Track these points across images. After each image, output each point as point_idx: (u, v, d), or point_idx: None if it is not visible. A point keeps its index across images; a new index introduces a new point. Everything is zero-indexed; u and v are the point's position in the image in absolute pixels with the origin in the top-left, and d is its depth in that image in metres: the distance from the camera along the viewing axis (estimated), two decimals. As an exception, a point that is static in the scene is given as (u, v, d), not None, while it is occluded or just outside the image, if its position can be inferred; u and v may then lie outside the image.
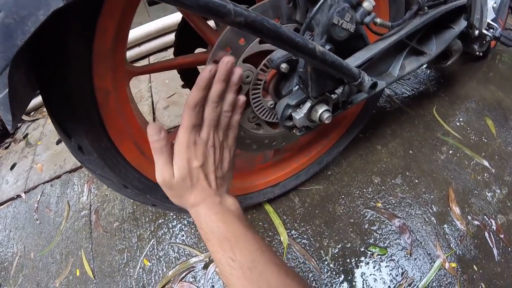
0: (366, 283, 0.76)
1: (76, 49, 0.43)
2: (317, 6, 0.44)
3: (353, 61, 0.54)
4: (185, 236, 0.90)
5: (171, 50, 0.88)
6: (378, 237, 0.83)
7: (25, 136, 1.42)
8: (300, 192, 0.95)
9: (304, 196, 0.94)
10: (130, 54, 1.56)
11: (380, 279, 0.76)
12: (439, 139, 1.04)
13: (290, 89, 0.56)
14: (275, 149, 0.81)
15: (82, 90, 0.47)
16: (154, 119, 1.28)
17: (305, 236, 0.85)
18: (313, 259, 0.81)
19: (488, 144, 1.01)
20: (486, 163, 0.96)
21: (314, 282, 0.77)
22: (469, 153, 0.99)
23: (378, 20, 0.52)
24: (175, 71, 0.80)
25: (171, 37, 1.56)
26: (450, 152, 1.00)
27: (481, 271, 0.75)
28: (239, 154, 0.63)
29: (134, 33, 1.50)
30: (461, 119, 1.09)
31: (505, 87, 1.19)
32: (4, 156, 1.36)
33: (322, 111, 0.54)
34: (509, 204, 0.86)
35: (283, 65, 0.50)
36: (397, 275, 0.76)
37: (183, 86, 0.84)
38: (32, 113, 1.54)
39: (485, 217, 0.84)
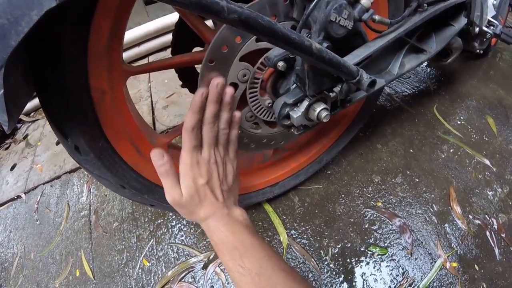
0: (366, 283, 0.75)
1: (71, 49, 0.43)
2: (313, 3, 0.43)
3: (352, 59, 0.54)
4: (184, 236, 0.90)
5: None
6: (378, 237, 0.82)
7: (25, 137, 1.43)
8: (300, 191, 0.95)
9: (304, 196, 0.94)
10: (129, 54, 1.56)
11: (381, 279, 0.75)
12: (439, 137, 1.03)
13: (288, 87, 0.55)
14: (274, 148, 0.80)
15: (78, 90, 0.47)
16: (153, 119, 1.27)
17: (304, 236, 0.85)
18: (313, 259, 0.80)
19: (489, 142, 1.00)
20: (487, 162, 0.95)
21: (314, 282, 0.77)
22: (470, 151, 0.98)
23: (376, 17, 0.51)
24: (174, 71, 0.80)
25: (170, 37, 1.54)
26: (451, 150, 0.99)
27: (482, 271, 0.74)
28: (238, 154, 0.63)
29: (133, 33, 1.50)
30: (461, 118, 1.08)
31: (506, 85, 1.18)
32: (4, 156, 1.37)
33: (320, 110, 0.53)
34: (510, 203, 0.85)
35: (280, 63, 0.50)
36: (397, 275, 0.75)
37: (182, 86, 0.84)
38: (32, 113, 1.54)
39: (487, 216, 0.83)
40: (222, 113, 0.48)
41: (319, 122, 0.56)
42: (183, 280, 0.81)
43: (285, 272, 0.43)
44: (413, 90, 1.21)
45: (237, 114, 0.51)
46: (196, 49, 0.74)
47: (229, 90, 0.47)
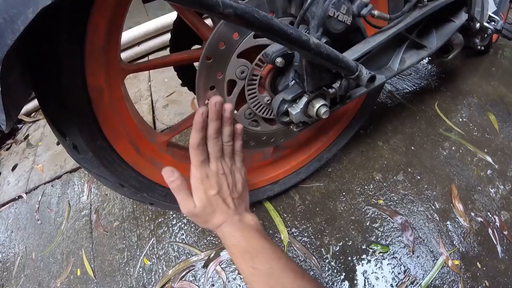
0: (367, 281, 0.75)
1: (68, 47, 0.43)
2: (311, -2, 0.43)
3: (351, 54, 0.53)
4: (184, 235, 0.89)
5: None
6: (379, 235, 0.82)
7: (26, 137, 1.43)
8: (301, 189, 0.94)
9: (305, 194, 0.93)
10: (129, 53, 1.56)
11: (382, 277, 0.75)
12: (441, 134, 1.02)
13: (287, 84, 0.55)
14: (274, 146, 0.80)
15: (75, 88, 0.47)
16: (153, 118, 1.27)
17: (305, 234, 0.85)
18: (314, 257, 0.80)
19: (491, 139, 0.99)
20: (489, 159, 0.94)
21: (314, 281, 0.76)
22: (472, 148, 0.97)
23: (375, 12, 0.50)
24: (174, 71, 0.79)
25: (169, 35, 1.55)
26: (453, 148, 0.98)
27: (484, 269, 0.74)
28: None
29: (133, 33, 1.50)
30: (463, 115, 1.08)
31: (507, 82, 1.17)
32: (6, 157, 1.37)
33: (319, 106, 0.53)
34: (513, 200, 0.84)
35: (279, 60, 0.49)
36: (399, 273, 0.75)
37: (182, 85, 0.84)
38: (33, 114, 1.55)
39: (489, 213, 0.82)
40: (224, 128, 0.51)
41: (319, 119, 0.56)
42: (184, 278, 0.81)
43: (293, 272, 0.46)
44: (414, 87, 1.21)
45: (239, 126, 0.53)
46: (195, 47, 0.74)
47: (228, 107, 0.49)
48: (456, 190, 0.88)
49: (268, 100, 0.59)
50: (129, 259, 0.88)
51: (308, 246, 0.82)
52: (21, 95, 0.42)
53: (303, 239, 0.84)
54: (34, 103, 1.50)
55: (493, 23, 0.84)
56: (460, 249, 0.77)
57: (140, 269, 0.85)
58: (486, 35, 0.89)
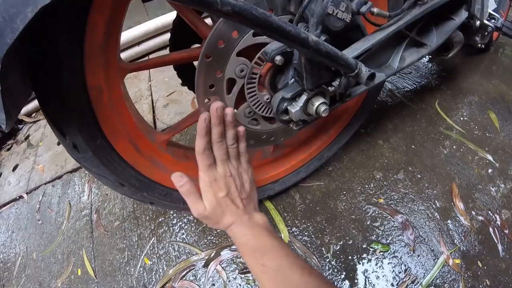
0: (368, 280, 0.75)
1: (67, 46, 0.43)
2: (310, -4, 0.43)
3: (350, 52, 0.53)
4: (185, 234, 0.89)
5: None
6: (380, 234, 0.81)
7: (27, 138, 1.43)
8: (301, 188, 0.94)
9: (305, 193, 0.93)
10: (129, 53, 1.56)
11: (383, 276, 0.75)
12: (442, 133, 1.02)
13: (286, 82, 0.55)
14: (274, 144, 0.80)
15: (75, 88, 0.47)
16: (154, 117, 1.27)
17: (306, 233, 0.84)
18: (314, 256, 0.80)
19: (492, 138, 0.99)
20: (490, 158, 0.94)
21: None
22: (473, 147, 0.97)
23: (375, 10, 0.50)
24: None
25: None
26: (454, 146, 0.98)
27: (485, 267, 0.73)
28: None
29: (133, 32, 1.50)
30: (464, 113, 1.07)
31: (508, 80, 1.16)
32: (6, 157, 1.37)
33: (319, 104, 0.53)
34: (514, 199, 0.84)
35: (278, 58, 0.49)
36: (400, 272, 0.75)
37: (182, 84, 0.84)
38: (33, 114, 1.55)
39: (489, 212, 0.82)
40: (227, 132, 0.52)
41: (318, 117, 0.55)
42: (184, 278, 0.81)
43: (301, 268, 0.47)
44: (415, 86, 1.20)
45: (241, 128, 0.55)
46: (194, 46, 0.74)
47: (229, 111, 0.50)
48: (457, 189, 0.87)
49: (267, 99, 0.59)
50: (130, 259, 0.88)
51: (309, 245, 0.82)
52: (21, 94, 0.42)
53: (303, 238, 0.84)
54: (35, 103, 1.51)
55: (493, 21, 0.84)
56: (461, 248, 0.77)
57: (141, 269, 0.85)
58: (486, 33, 0.89)
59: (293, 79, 0.53)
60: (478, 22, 0.80)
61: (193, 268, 0.83)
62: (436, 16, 0.68)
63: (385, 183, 0.92)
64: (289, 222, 0.87)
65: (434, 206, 0.85)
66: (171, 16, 1.50)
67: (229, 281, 0.79)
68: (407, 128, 1.05)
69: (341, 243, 0.81)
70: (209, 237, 0.87)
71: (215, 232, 0.88)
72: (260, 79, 0.56)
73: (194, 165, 0.74)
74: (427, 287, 0.72)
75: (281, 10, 0.50)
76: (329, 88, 0.53)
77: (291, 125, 0.59)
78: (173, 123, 1.23)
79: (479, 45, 0.94)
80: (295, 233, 0.85)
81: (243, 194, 0.55)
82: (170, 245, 0.88)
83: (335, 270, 0.77)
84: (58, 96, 0.46)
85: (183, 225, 0.91)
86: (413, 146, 1.00)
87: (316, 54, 0.42)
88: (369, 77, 0.49)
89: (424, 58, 0.89)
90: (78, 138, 0.51)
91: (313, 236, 0.84)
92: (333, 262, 0.78)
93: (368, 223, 0.84)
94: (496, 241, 0.77)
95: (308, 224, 0.86)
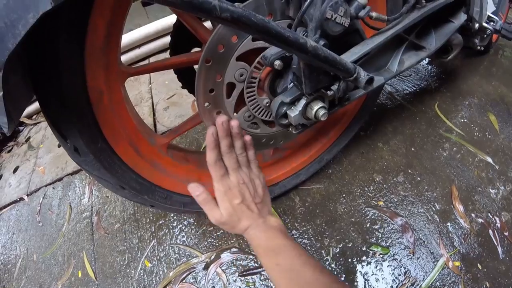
0: (368, 283, 0.75)
1: (68, 49, 0.43)
2: (309, 0, 0.43)
3: (349, 56, 0.54)
4: (185, 237, 0.90)
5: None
6: (380, 236, 0.82)
7: (27, 140, 1.44)
8: (301, 191, 0.94)
9: (305, 196, 0.93)
10: (129, 56, 1.56)
11: (382, 279, 0.75)
12: (441, 135, 1.02)
13: (285, 86, 0.55)
14: (274, 148, 0.80)
15: (76, 91, 0.47)
16: (154, 120, 1.28)
17: (306, 236, 0.85)
18: (314, 259, 0.80)
19: (492, 140, 0.99)
20: (489, 160, 0.94)
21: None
22: (472, 149, 0.97)
23: (373, 14, 0.51)
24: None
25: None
26: (453, 149, 0.98)
27: (485, 270, 0.73)
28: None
29: (134, 35, 1.50)
30: (463, 115, 1.07)
31: (508, 82, 1.16)
32: (7, 159, 1.38)
33: (318, 108, 0.53)
34: (514, 201, 0.84)
35: (277, 62, 0.50)
36: (399, 275, 0.75)
37: (182, 87, 0.84)
38: (34, 116, 1.55)
39: (489, 214, 0.82)
40: (235, 142, 0.55)
41: (317, 121, 0.56)
42: (184, 280, 0.81)
43: (313, 267, 0.50)
44: (414, 88, 1.21)
45: (247, 138, 0.56)
46: (194, 50, 0.75)
47: (235, 123, 0.53)
48: (457, 191, 0.87)
49: (267, 103, 0.59)
50: (130, 261, 0.88)
51: (308, 248, 0.82)
52: (22, 97, 0.42)
53: (303, 241, 0.84)
54: (35, 105, 1.51)
55: (492, 23, 0.85)
56: (461, 250, 0.77)
57: (141, 271, 0.85)
58: (485, 35, 0.89)
59: (292, 84, 0.54)
60: (477, 25, 0.80)
61: (193, 271, 0.83)
62: (435, 19, 0.68)
63: (384, 185, 0.92)
64: (289, 225, 0.87)
65: (433, 208, 0.85)
66: (172, 19, 1.50)
67: (229, 283, 0.79)
68: (406, 131, 1.05)
69: (340, 245, 0.82)
70: (209, 240, 0.88)
71: (215, 234, 0.88)
72: (259, 83, 0.57)
73: (194, 167, 0.75)
74: (427, 290, 0.72)
75: (280, 15, 0.51)
76: (328, 92, 0.53)
77: (290, 129, 0.59)
78: (173, 125, 1.23)
79: (479, 47, 0.94)
80: (295, 236, 0.85)
81: (257, 199, 0.57)
82: (170, 247, 0.88)
83: (335, 273, 0.77)
84: (58, 98, 0.46)
85: (183, 227, 0.92)
86: (412, 149, 1.00)
87: (314, 59, 0.42)
88: (367, 82, 0.49)
89: (423, 61, 0.89)
90: (79, 141, 0.51)
91: (313, 238, 0.84)
92: (333, 265, 0.78)
93: (367, 225, 0.84)
94: (496, 243, 0.77)
95: (308, 227, 0.86)
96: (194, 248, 0.87)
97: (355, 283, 0.75)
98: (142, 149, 0.63)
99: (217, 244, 0.86)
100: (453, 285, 0.72)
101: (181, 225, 0.92)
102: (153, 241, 0.90)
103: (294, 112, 0.54)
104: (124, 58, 1.54)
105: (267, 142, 0.69)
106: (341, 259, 0.79)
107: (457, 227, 0.81)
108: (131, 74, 0.58)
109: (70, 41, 0.43)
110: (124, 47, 1.51)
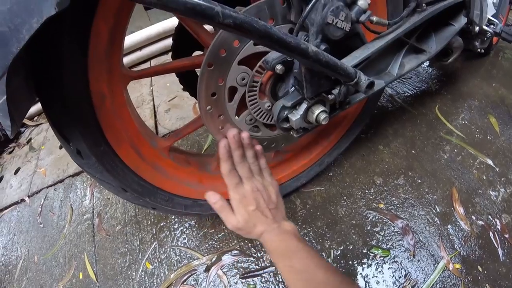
0: (368, 285, 0.75)
1: (71, 53, 0.43)
2: (310, 5, 0.43)
3: (350, 60, 0.54)
4: (186, 239, 0.90)
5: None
6: (380, 239, 0.82)
7: (29, 141, 1.44)
8: (301, 194, 0.95)
9: (306, 198, 0.93)
10: (131, 58, 1.57)
11: (383, 281, 0.75)
12: (442, 138, 1.02)
13: (287, 90, 0.55)
14: (275, 151, 0.80)
15: (78, 94, 0.47)
16: (155, 122, 1.28)
17: (306, 238, 0.85)
18: (314, 261, 0.80)
19: (492, 142, 0.99)
20: (490, 162, 0.94)
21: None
22: (473, 151, 0.97)
23: (374, 18, 0.51)
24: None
25: (171, 40, 1.57)
26: (454, 151, 0.98)
27: (486, 272, 0.73)
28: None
29: (135, 37, 1.51)
30: (464, 117, 1.08)
31: (508, 84, 1.17)
32: (8, 160, 1.38)
33: (319, 112, 0.53)
34: (514, 203, 0.84)
35: (278, 66, 0.50)
36: (400, 277, 0.75)
37: (183, 89, 0.84)
38: (36, 118, 1.56)
39: (490, 216, 0.82)
40: (246, 152, 0.57)
41: (318, 125, 0.56)
42: (185, 282, 0.82)
43: (325, 268, 0.52)
44: (415, 91, 1.21)
45: (258, 147, 0.59)
46: (196, 53, 0.75)
47: (245, 135, 0.56)
48: (457, 194, 0.88)
49: (268, 106, 0.60)
50: (131, 263, 0.88)
51: (309, 250, 0.82)
52: (25, 100, 0.43)
53: (304, 242, 0.84)
54: (37, 107, 1.52)
55: (492, 26, 0.85)
56: (461, 252, 0.77)
57: (142, 273, 0.86)
58: (485, 38, 0.90)
59: (293, 88, 0.54)
60: (477, 28, 0.81)
61: (195, 273, 0.83)
62: (435, 23, 0.69)
63: (385, 188, 0.92)
64: (289, 226, 0.87)
65: (434, 211, 0.85)
66: (173, 21, 1.51)
67: (230, 285, 0.79)
68: (407, 133, 1.05)
69: (341, 248, 0.82)
70: (210, 242, 0.88)
71: (216, 237, 0.88)
72: (261, 87, 0.57)
73: (195, 170, 0.76)
74: (427, 292, 0.72)
75: (282, 19, 0.51)
76: (329, 96, 0.53)
77: (291, 133, 0.60)
78: (174, 128, 1.23)
79: (479, 49, 0.95)
80: (295, 238, 0.85)
81: (271, 205, 0.59)
82: (171, 249, 0.89)
83: (336, 275, 0.77)
84: (61, 101, 0.46)
85: (184, 229, 0.92)
86: (413, 151, 1.00)
87: (316, 64, 0.42)
88: (368, 86, 0.50)
89: (424, 64, 0.90)
90: (81, 144, 0.51)
91: (313, 241, 0.84)
92: (333, 267, 0.79)
93: (368, 228, 0.84)
94: (496, 246, 0.77)
95: (309, 229, 0.86)
96: (195, 250, 0.87)
97: (356, 286, 0.75)
98: (144, 151, 0.63)
99: (218, 246, 0.87)
100: (453, 287, 0.72)
101: (182, 227, 0.92)
102: (155, 243, 0.91)
103: (295, 116, 0.54)
104: (125, 60, 1.54)
105: (269, 145, 0.69)
106: (342, 261, 0.79)
107: (457, 229, 0.81)
108: (134, 78, 0.58)
109: (73, 46, 0.43)
110: (125, 49, 1.51)
